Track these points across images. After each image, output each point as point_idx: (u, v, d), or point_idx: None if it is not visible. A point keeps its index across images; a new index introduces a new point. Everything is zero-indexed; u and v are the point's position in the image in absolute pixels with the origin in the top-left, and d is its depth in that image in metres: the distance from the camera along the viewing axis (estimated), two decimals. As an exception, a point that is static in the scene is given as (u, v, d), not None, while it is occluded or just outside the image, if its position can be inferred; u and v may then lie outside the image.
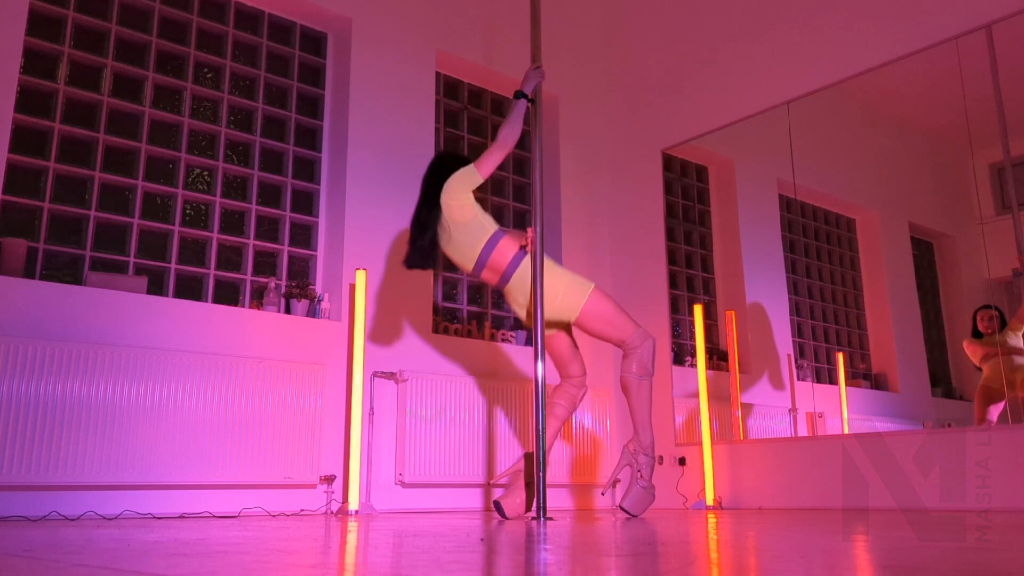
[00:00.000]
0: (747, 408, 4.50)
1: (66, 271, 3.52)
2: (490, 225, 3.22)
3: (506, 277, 3.21)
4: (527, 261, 3.20)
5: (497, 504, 3.19)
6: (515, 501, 3.20)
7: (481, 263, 3.20)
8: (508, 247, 3.20)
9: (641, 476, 3.19)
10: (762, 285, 4.62)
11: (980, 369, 3.71)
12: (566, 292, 3.19)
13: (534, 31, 3.52)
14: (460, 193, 3.15)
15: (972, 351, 3.74)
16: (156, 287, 3.72)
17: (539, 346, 3.16)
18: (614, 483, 3.33)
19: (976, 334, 3.74)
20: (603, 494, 3.28)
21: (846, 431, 4.15)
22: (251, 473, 3.49)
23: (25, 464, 3.00)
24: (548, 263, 3.23)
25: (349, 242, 4.09)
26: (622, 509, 3.19)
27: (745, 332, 4.61)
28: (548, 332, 3.33)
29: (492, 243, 3.18)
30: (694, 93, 4.99)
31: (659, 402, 4.80)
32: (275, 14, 4.32)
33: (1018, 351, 3.56)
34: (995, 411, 3.58)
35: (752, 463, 4.30)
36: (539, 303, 3.17)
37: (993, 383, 3.61)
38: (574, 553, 1.49)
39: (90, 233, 3.59)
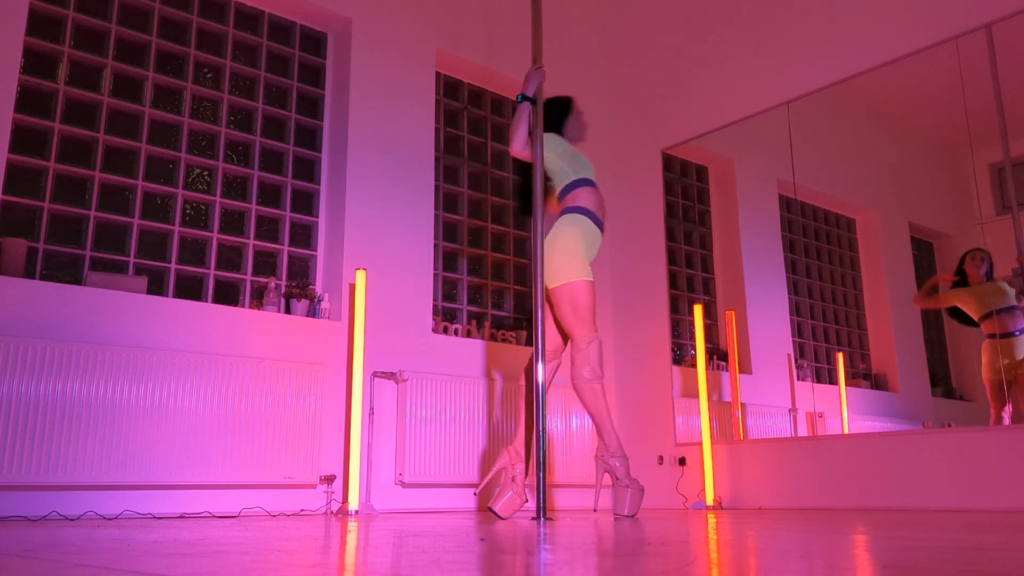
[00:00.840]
0: (747, 408, 4.50)
1: (66, 271, 3.52)
2: (573, 173, 3.36)
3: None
4: (568, 218, 3.27)
5: (491, 509, 3.18)
6: (507, 500, 3.18)
7: (557, 201, 3.42)
8: (573, 198, 3.32)
9: (619, 479, 3.14)
10: (762, 285, 4.62)
11: (975, 324, 3.69)
12: (565, 264, 3.18)
13: (535, 31, 3.52)
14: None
15: (963, 301, 3.74)
16: (156, 287, 3.72)
17: (539, 346, 3.15)
18: (613, 483, 3.31)
19: (963, 282, 3.74)
20: (596, 510, 3.25)
21: (846, 431, 4.15)
22: (251, 473, 3.49)
23: (25, 464, 3.00)
24: (576, 235, 3.23)
25: (349, 242, 4.09)
26: (621, 516, 3.14)
27: (745, 332, 4.61)
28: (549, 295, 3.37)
29: (565, 190, 3.35)
30: (694, 93, 4.99)
31: (659, 402, 4.80)
32: (275, 14, 4.32)
33: (1018, 328, 3.55)
34: (1008, 408, 3.57)
35: (752, 463, 4.30)
36: (539, 302, 3.17)
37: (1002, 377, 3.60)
38: (574, 553, 1.49)
39: (90, 233, 3.59)
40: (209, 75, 4.11)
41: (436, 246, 4.61)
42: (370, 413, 3.92)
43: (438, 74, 4.83)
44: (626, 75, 5.45)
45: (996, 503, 3.43)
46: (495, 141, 5.05)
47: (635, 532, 2.12)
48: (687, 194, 5.10)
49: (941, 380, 3.90)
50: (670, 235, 5.01)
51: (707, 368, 4.45)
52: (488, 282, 4.83)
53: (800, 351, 4.41)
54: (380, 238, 4.20)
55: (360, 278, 3.80)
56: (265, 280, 3.99)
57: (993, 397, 3.61)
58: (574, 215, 3.26)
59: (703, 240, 4.99)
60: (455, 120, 4.92)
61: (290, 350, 3.81)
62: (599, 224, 3.33)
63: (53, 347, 3.13)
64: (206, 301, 3.83)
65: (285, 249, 4.14)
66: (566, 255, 3.19)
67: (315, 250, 4.22)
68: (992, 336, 3.65)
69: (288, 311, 3.95)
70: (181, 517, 3.26)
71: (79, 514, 3.14)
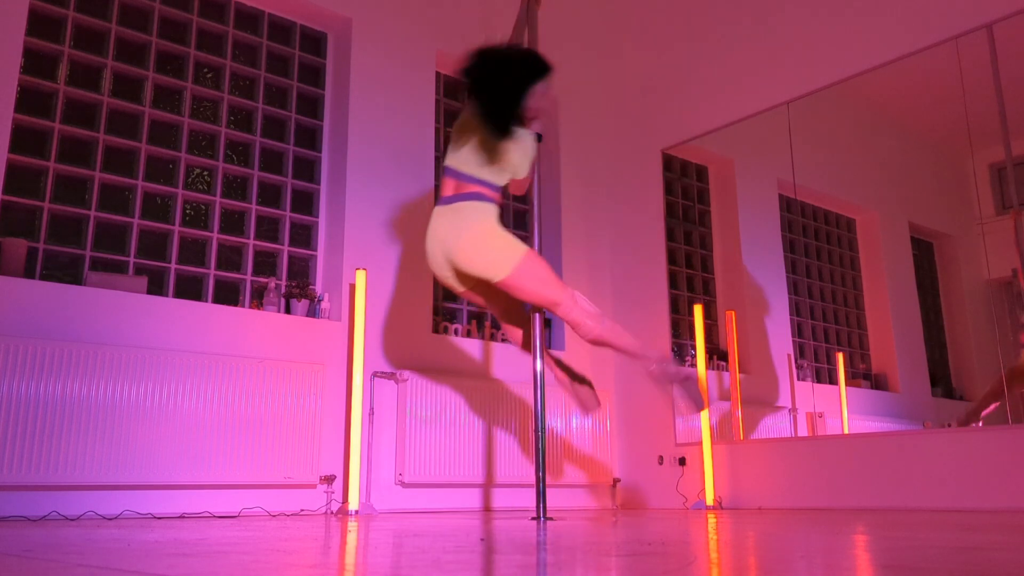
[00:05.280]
0: (747, 408, 4.50)
1: (66, 271, 3.52)
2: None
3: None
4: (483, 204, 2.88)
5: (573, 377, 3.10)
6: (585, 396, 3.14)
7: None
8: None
9: (673, 381, 2.97)
10: (762, 285, 4.62)
11: None
12: (503, 246, 2.87)
13: (532, 33, 3.51)
14: None
15: None
16: (156, 287, 3.72)
17: (537, 344, 3.16)
18: (692, 398, 3.09)
19: None
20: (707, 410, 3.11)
21: (846, 431, 4.15)
22: (251, 473, 3.49)
23: (25, 464, 3.00)
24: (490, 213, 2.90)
25: (349, 242, 4.09)
26: (692, 410, 3.04)
27: (745, 332, 4.61)
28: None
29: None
30: (694, 93, 4.99)
31: (659, 402, 4.80)
32: (275, 14, 4.32)
33: None
34: None
35: (752, 463, 4.30)
36: (541, 303, 3.17)
37: None
38: (574, 553, 1.49)
39: (90, 233, 3.59)
40: (209, 75, 4.11)
41: (436, 246, 4.61)
42: (370, 413, 3.92)
43: (438, 74, 4.83)
44: (626, 75, 5.45)
45: (996, 503, 3.43)
46: (495, 141, 5.05)
47: (635, 532, 2.12)
48: (687, 194, 5.10)
49: (941, 380, 3.90)
50: (670, 235, 5.00)
51: (707, 368, 4.45)
52: (488, 282, 4.83)
53: (800, 351, 4.41)
54: (380, 238, 4.20)
55: (360, 278, 3.80)
56: (265, 280, 3.99)
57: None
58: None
59: (703, 240, 4.99)
60: (455, 120, 4.91)
61: (290, 350, 3.81)
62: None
63: (53, 347, 3.13)
64: (206, 301, 3.83)
65: (285, 249, 4.14)
66: (498, 238, 2.87)
67: (315, 250, 4.22)
68: None
69: (288, 311, 3.94)
70: (181, 517, 3.26)
71: (79, 514, 3.14)
